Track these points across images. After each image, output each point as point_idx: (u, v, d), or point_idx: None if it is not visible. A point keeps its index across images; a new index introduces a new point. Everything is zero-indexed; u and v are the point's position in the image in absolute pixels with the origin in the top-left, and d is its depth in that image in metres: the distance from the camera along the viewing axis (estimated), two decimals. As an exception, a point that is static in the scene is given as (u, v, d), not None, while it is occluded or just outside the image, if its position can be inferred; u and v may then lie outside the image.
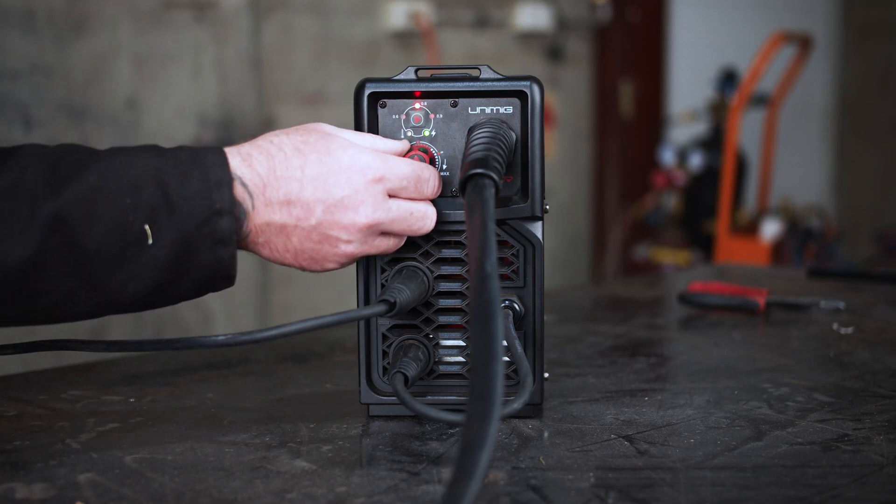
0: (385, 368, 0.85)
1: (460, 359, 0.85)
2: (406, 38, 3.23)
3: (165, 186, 0.72)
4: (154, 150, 0.75)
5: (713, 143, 3.54)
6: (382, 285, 0.84)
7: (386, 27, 3.19)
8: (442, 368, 0.85)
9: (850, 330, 1.20)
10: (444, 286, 0.84)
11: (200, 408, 0.88)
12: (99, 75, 2.68)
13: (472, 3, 3.37)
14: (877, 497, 0.66)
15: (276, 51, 3.01)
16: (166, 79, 2.80)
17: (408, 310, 0.81)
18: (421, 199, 0.80)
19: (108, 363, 1.05)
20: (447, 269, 0.84)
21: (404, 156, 0.82)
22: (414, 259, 0.83)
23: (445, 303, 0.84)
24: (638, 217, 3.68)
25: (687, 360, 1.08)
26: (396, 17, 3.17)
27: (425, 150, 0.83)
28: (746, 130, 3.57)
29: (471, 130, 0.81)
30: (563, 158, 3.65)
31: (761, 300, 1.31)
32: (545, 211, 0.83)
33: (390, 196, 0.79)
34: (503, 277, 0.84)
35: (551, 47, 3.56)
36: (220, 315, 2.89)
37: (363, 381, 0.85)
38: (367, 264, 0.84)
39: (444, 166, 0.83)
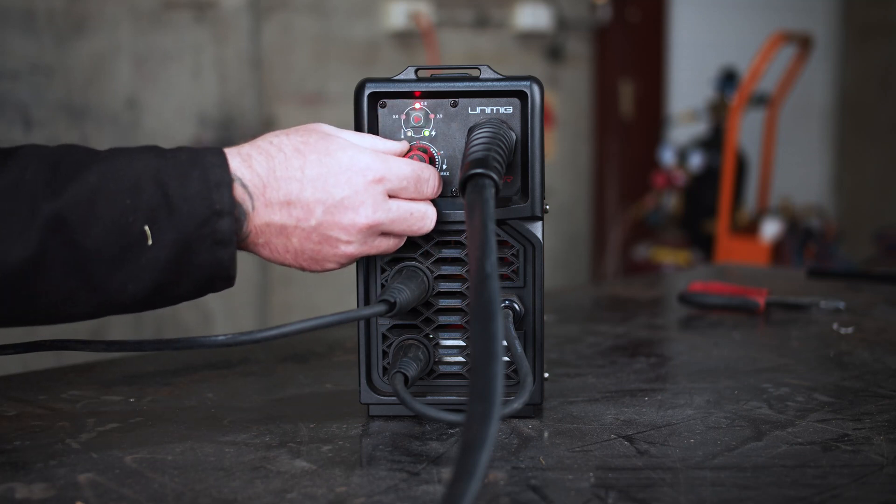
0: (385, 368, 0.85)
1: (460, 359, 0.85)
2: (406, 38, 3.23)
3: (165, 187, 0.72)
4: (154, 150, 0.75)
5: (713, 143, 3.54)
6: (382, 285, 0.84)
7: (386, 27, 3.19)
8: (442, 368, 0.85)
9: (850, 330, 1.20)
10: (444, 286, 0.84)
11: (200, 408, 0.88)
12: (99, 75, 2.68)
13: (472, 3, 3.37)
14: (877, 497, 0.66)
15: (276, 51, 3.01)
16: (166, 79, 2.80)
17: (408, 310, 0.81)
18: (421, 200, 0.80)
19: (108, 363, 1.05)
20: (447, 269, 0.84)
21: (404, 156, 0.82)
22: (414, 259, 0.83)
23: (445, 303, 0.84)
24: (638, 217, 3.68)
25: (687, 360, 1.08)
26: (396, 17, 3.17)
27: (424, 150, 0.83)
28: (746, 130, 3.57)
29: (471, 130, 0.81)
30: (563, 158, 3.65)
31: (761, 300, 1.31)
32: (545, 211, 0.83)
33: (390, 196, 0.79)
34: (503, 277, 0.84)
35: (551, 47, 3.56)
36: (220, 315, 2.89)
37: (363, 381, 0.85)
38: (367, 264, 0.84)
39: (444, 166, 0.83)
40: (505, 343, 0.80)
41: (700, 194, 3.53)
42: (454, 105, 0.83)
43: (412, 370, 0.81)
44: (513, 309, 0.83)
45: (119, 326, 2.63)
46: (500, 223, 0.82)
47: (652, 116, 3.89)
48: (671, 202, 3.56)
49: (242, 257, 0.77)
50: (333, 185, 0.76)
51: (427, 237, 0.83)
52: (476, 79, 0.83)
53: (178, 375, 0.99)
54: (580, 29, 3.64)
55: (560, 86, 3.61)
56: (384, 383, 0.85)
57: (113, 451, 0.75)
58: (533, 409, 0.85)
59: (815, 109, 4.50)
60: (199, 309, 2.83)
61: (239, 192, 0.74)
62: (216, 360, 1.05)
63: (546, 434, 0.80)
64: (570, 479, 0.70)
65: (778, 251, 3.31)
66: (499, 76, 0.83)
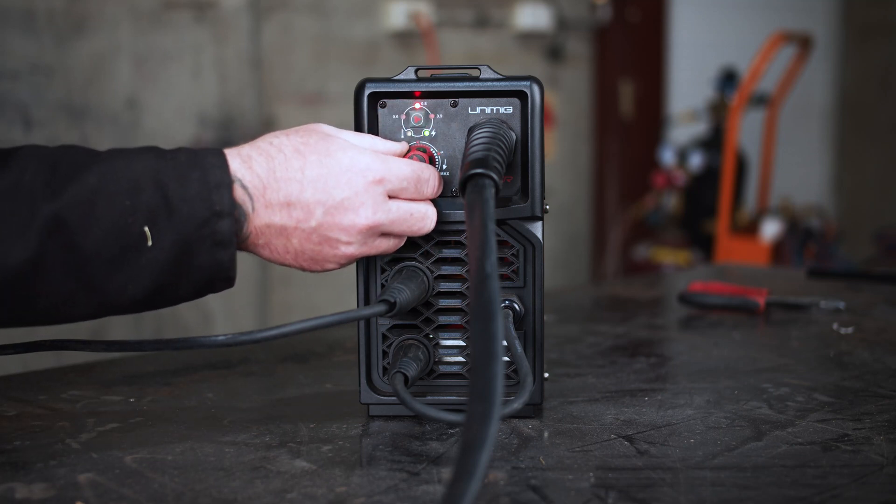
0: (385, 368, 0.85)
1: (460, 359, 0.85)
2: (406, 38, 3.23)
3: (165, 188, 0.72)
4: (154, 151, 0.75)
5: (713, 143, 3.54)
6: (382, 285, 0.84)
7: (386, 27, 3.19)
8: (442, 368, 0.85)
9: (850, 330, 1.20)
10: (444, 286, 0.84)
11: (200, 408, 0.88)
12: (99, 75, 2.68)
13: (472, 3, 3.37)
14: (877, 497, 0.66)
15: (276, 51, 3.01)
16: (166, 79, 2.80)
17: (408, 310, 0.81)
18: (421, 200, 0.80)
19: (108, 363, 1.05)
20: (447, 269, 0.84)
21: (404, 157, 0.82)
22: (414, 259, 0.83)
23: (445, 303, 0.84)
24: (638, 217, 3.68)
25: (687, 360, 1.08)
26: (396, 17, 3.17)
27: (423, 150, 0.83)
28: (746, 130, 3.57)
29: (471, 130, 0.81)
30: (563, 158, 3.65)
31: (761, 300, 1.31)
32: (545, 211, 0.83)
33: (390, 197, 0.79)
34: (503, 277, 0.84)
35: (551, 47, 3.56)
36: (220, 315, 2.89)
37: (363, 381, 0.85)
38: (367, 264, 0.84)
39: (444, 166, 0.83)
40: (505, 343, 0.80)
41: (700, 194, 3.53)
42: (454, 105, 0.83)
43: (412, 370, 0.81)
44: (513, 309, 0.83)
45: (119, 326, 2.63)
46: (500, 223, 0.82)
47: (652, 116, 3.89)
48: (671, 202, 3.56)
49: (242, 257, 0.77)
50: (333, 186, 0.76)
51: (427, 237, 0.83)
52: (476, 79, 0.83)
53: (178, 375, 0.99)
54: (580, 29, 3.64)
55: (560, 86, 3.61)
56: (384, 383, 0.85)
57: (113, 451, 0.75)
58: (533, 409, 0.85)
59: (815, 109, 4.50)
60: (199, 309, 2.83)
61: (239, 193, 0.74)
62: (216, 360, 1.05)
63: (546, 434, 0.80)
64: (570, 479, 0.70)
65: (778, 251, 3.31)
66: (499, 76, 0.83)
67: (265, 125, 2.97)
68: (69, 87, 2.62)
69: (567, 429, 0.81)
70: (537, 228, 0.83)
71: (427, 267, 0.83)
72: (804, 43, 3.48)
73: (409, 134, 0.83)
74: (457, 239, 0.83)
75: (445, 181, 0.83)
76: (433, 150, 0.83)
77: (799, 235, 3.35)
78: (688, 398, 0.90)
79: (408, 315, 0.84)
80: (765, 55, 3.21)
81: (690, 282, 1.40)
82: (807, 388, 0.93)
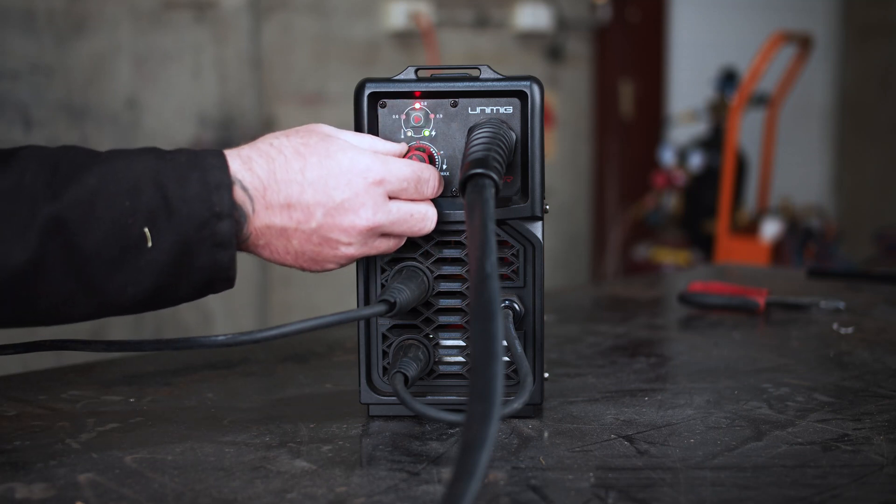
0: (385, 368, 0.85)
1: (460, 359, 0.85)
2: (406, 38, 3.23)
3: (165, 189, 0.72)
4: (154, 152, 0.75)
5: (713, 143, 3.54)
6: (382, 285, 0.84)
7: (386, 27, 3.19)
8: (442, 368, 0.85)
9: (850, 330, 1.20)
10: (444, 286, 0.84)
11: (200, 408, 0.88)
12: (99, 75, 2.68)
13: (472, 3, 3.37)
14: (877, 497, 0.66)
15: (276, 51, 3.01)
16: (166, 79, 2.80)
17: (408, 310, 0.81)
18: (421, 200, 0.80)
19: (108, 363, 1.05)
20: (447, 269, 0.84)
21: (403, 157, 0.82)
22: (414, 259, 0.83)
23: (445, 303, 0.84)
24: (638, 217, 3.68)
25: (687, 360, 1.08)
26: (396, 17, 3.17)
27: (423, 150, 0.83)
28: (746, 130, 3.57)
29: (471, 130, 0.81)
30: (563, 158, 3.65)
31: (761, 300, 1.31)
32: (545, 211, 0.83)
33: (390, 198, 0.79)
34: (503, 277, 0.84)
35: (551, 47, 3.56)
36: (220, 315, 2.89)
37: (363, 381, 0.85)
38: (367, 264, 0.84)
39: (444, 166, 0.83)
40: (505, 343, 0.80)
41: (700, 194, 3.53)
42: (454, 105, 0.83)
43: (412, 370, 0.81)
44: (513, 309, 0.83)
45: (119, 326, 2.63)
46: (500, 223, 0.82)
47: (652, 116, 3.89)
48: (671, 202, 3.56)
49: (242, 257, 0.77)
50: (334, 187, 0.76)
51: (427, 237, 0.83)
52: (476, 79, 0.83)
53: (178, 375, 0.99)
54: (580, 29, 3.64)
55: (560, 86, 3.61)
56: (384, 383, 0.85)
57: (113, 451, 0.75)
58: (533, 409, 0.85)
59: (815, 109, 4.50)
60: (199, 309, 2.83)
61: (239, 194, 0.74)
62: (216, 360, 1.05)
63: (546, 434, 0.80)
64: (570, 479, 0.70)
65: (778, 251, 3.31)
66: (499, 76, 0.83)
67: (265, 125, 2.97)
68: (69, 87, 2.62)
69: (567, 429, 0.82)
70: (537, 228, 0.83)
71: (427, 267, 0.83)
72: (804, 43, 3.48)
73: (409, 134, 0.83)
74: (457, 239, 0.83)
75: (445, 181, 0.83)
76: (433, 150, 0.83)
77: (799, 235, 3.36)
78: (688, 398, 0.90)
79: (408, 315, 0.84)
80: (765, 55, 3.21)
81: (690, 282, 1.40)
82: (807, 388, 0.93)
